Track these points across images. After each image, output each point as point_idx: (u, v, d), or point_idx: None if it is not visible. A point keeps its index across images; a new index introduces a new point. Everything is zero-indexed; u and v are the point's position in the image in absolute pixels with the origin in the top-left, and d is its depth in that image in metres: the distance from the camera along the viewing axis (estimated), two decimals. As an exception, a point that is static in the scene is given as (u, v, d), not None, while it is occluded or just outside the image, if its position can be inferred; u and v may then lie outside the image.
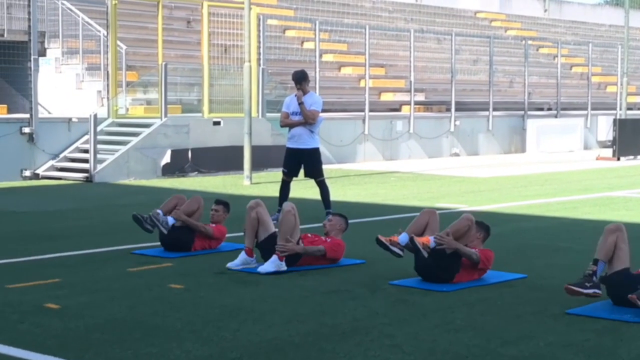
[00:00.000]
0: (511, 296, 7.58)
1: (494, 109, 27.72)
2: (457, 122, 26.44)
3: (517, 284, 8.06)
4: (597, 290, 6.99)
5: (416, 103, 25.88)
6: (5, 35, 21.30)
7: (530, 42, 31.22)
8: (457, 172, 20.55)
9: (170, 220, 9.49)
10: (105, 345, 5.97)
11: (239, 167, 18.50)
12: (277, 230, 8.64)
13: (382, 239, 8.22)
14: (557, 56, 31.62)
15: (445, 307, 7.15)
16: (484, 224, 8.32)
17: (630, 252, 7.17)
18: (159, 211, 9.57)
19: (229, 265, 8.64)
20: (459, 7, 37.52)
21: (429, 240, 7.88)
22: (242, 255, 8.66)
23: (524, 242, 10.52)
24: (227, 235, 9.86)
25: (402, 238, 8.15)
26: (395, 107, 26.60)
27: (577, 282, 7.04)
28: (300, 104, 12.01)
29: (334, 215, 9.23)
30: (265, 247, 8.64)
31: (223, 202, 9.99)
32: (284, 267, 8.46)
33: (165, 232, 9.43)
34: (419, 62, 27.29)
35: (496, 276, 8.22)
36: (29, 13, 18.81)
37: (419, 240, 7.86)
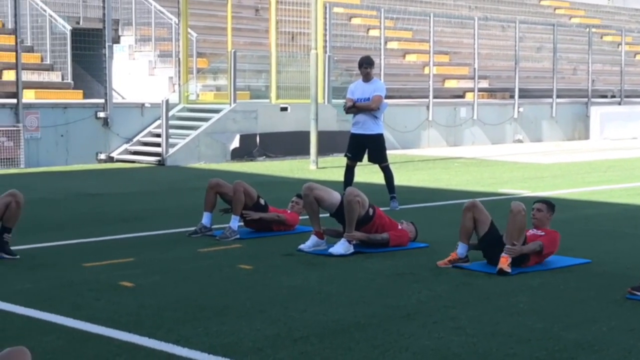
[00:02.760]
0: (574, 281, 7.49)
1: (558, 96, 27.37)
2: (521, 109, 26.16)
3: (581, 269, 7.96)
4: None
5: (480, 90, 25.67)
6: (81, 23, 21.61)
7: (594, 29, 30.72)
8: (520, 158, 20.34)
9: (235, 223, 9.37)
10: (177, 323, 6.04)
11: (305, 151, 18.55)
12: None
13: (442, 264, 7.97)
14: (620, 44, 31.06)
15: (508, 290, 7.10)
16: (550, 203, 8.22)
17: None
18: (206, 224, 9.46)
19: (301, 247, 8.67)
20: (524, -6, 37.08)
21: (507, 260, 7.65)
22: (313, 238, 8.68)
23: (587, 228, 10.38)
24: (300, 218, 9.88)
25: (460, 251, 8.00)
26: (459, 94, 26.42)
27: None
28: (352, 106, 11.95)
29: (409, 223, 9.12)
30: (342, 215, 8.61)
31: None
32: (352, 250, 8.48)
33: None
34: (483, 50, 27.04)
35: (559, 261, 8.13)
36: (103, 1, 19.05)
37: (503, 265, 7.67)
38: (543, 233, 8.00)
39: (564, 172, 17.38)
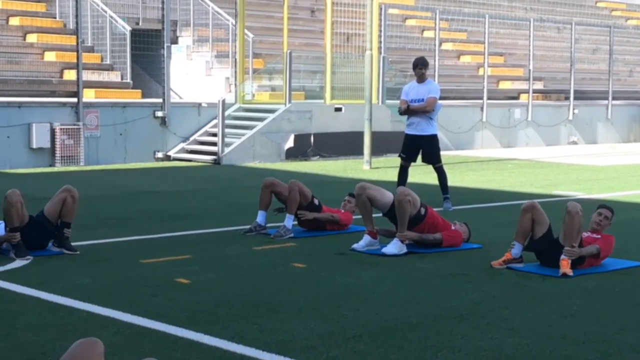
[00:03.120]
0: (629, 284, 7.39)
1: (613, 98, 27.00)
2: (576, 111, 25.86)
3: (636, 272, 7.85)
4: None
5: (534, 91, 25.43)
6: (141, 23, 21.84)
7: (651, 31, 30.25)
8: (574, 160, 20.11)
9: (289, 222, 9.37)
10: (232, 319, 6.08)
11: (359, 152, 18.54)
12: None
13: (497, 264, 7.90)
14: (677, 46, 30.57)
15: (562, 293, 7.03)
16: (613, 210, 8.12)
17: None
18: (261, 223, 9.51)
19: (354, 246, 8.67)
20: (580, -4, 36.65)
21: (568, 262, 7.56)
22: (366, 238, 8.67)
23: (642, 231, 10.23)
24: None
25: (516, 251, 7.91)
26: (514, 95, 26.20)
27: None
28: (407, 109, 11.93)
29: (462, 224, 9.07)
30: (393, 215, 8.60)
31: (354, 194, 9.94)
32: (405, 250, 8.46)
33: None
34: (538, 51, 26.77)
35: (614, 264, 8.02)
36: (162, 2, 19.24)
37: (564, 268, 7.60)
38: (599, 236, 7.91)
39: (619, 174, 17.14)
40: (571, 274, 7.50)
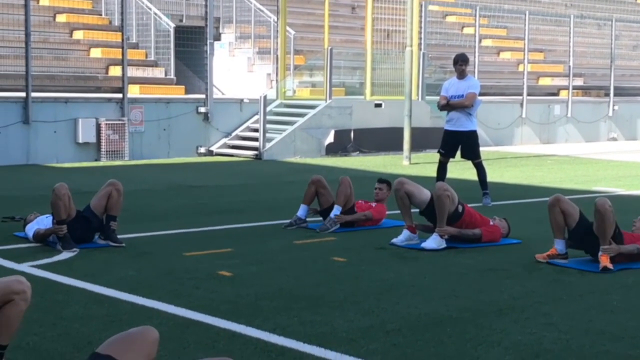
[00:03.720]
0: (669, 280, 7.30)
1: (654, 94, 26.69)
2: (616, 107, 25.59)
3: (676, 269, 7.76)
4: None
5: (574, 88, 25.21)
6: (184, 20, 21.95)
7: (692, 27, 29.83)
8: (614, 157, 19.90)
9: (337, 212, 9.39)
10: (273, 312, 6.10)
11: (398, 147, 18.50)
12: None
13: (541, 258, 7.83)
14: None
15: (601, 288, 6.96)
16: None
17: None
18: (301, 216, 9.52)
19: (394, 240, 8.65)
20: (620, -8, 36.24)
21: (607, 257, 7.46)
22: (406, 232, 8.65)
23: (682, 228, 10.07)
24: (388, 212, 9.87)
25: (560, 247, 7.83)
26: (553, 92, 25.98)
27: None
28: (447, 104, 11.87)
29: (501, 220, 9.03)
30: (431, 213, 8.56)
31: (385, 180, 9.98)
32: (444, 245, 8.43)
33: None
34: (578, 47, 26.51)
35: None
36: (206, 0, 19.32)
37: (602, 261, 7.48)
38: None
39: (660, 170, 16.93)
40: (611, 267, 7.43)
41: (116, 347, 3.73)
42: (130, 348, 3.73)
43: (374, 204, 9.82)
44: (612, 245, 7.51)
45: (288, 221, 9.62)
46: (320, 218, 9.65)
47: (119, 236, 8.41)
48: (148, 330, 3.84)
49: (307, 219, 9.58)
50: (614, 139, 25.41)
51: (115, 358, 3.66)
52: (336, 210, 9.41)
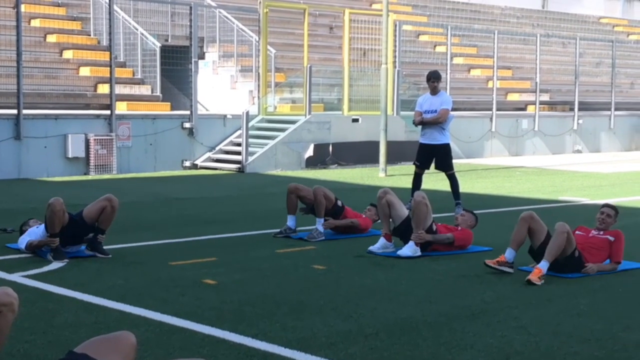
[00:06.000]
0: (633, 284, 7.34)
1: (616, 109, 26.85)
2: (580, 121, 25.73)
3: (639, 274, 7.78)
4: None
5: (541, 103, 25.32)
6: (170, 40, 21.88)
7: (652, 45, 30.04)
8: (579, 168, 19.99)
9: (320, 225, 9.43)
10: (256, 318, 6.07)
11: (375, 160, 18.52)
12: (410, 214, 8.59)
13: (490, 263, 7.75)
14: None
15: (569, 293, 6.98)
16: (611, 205, 8.08)
17: None
18: (291, 226, 9.52)
19: (370, 248, 8.65)
20: (584, 13, 36.47)
21: (540, 272, 7.31)
22: (382, 240, 8.66)
23: (645, 235, 10.13)
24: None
25: (509, 256, 7.77)
26: (521, 107, 26.08)
27: None
28: (421, 122, 11.94)
29: (467, 212, 9.10)
30: (403, 231, 8.60)
31: (376, 206, 9.88)
32: (418, 252, 8.43)
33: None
34: (545, 65, 26.66)
35: (620, 266, 7.95)
36: (190, 21, 19.30)
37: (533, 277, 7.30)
38: (610, 237, 7.82)
39: (622, 180, 17.03)
40: (538, 283, 7.18)
41: (92, 347, 3.73)
42: (105, 348, 3.73)
43: (363, 215, 9.84)
44: (590, 267, 7.55)
45: (278, 230, 9.61)
46: (313, 216, 9.62)
47: (107, 246, 8.35)
48: (125, 334, 3.85)
49: (297, 229, 9.55)
50: (579, 151, 25.54)
51: (91, 356, 3.64)
52: (318, 224, 9.42)
